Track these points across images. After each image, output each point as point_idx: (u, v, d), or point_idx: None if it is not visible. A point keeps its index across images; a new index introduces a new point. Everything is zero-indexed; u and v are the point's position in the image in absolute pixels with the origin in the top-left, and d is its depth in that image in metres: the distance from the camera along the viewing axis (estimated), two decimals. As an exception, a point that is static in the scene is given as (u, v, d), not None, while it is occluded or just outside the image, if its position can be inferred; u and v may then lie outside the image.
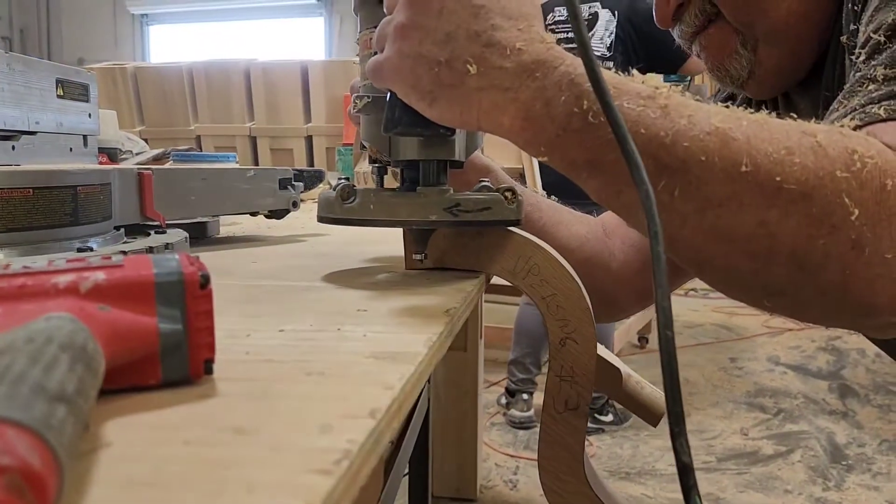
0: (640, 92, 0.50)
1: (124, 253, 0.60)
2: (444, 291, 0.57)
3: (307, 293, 0.58)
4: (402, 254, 0.67)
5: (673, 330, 0.41)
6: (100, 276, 0.32)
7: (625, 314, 0.94)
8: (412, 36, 0.52)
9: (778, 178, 0.47)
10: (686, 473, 0.39)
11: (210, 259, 0.77)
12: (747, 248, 0.49)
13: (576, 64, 0.50)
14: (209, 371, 0.34)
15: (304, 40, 8.04)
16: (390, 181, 0.71)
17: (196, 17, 8.37)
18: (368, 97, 0.64)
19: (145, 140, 1.93)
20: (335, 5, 8.00)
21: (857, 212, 0.47)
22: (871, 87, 0.56)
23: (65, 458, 0.20)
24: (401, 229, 0.67)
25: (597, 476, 0.69)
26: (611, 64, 2.66)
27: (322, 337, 0.43)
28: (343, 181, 0.63)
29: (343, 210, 0.61)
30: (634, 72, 0.53)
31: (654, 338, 3.85)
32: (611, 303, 0.87)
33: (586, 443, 0.66)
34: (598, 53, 2.70)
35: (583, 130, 0.49)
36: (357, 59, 0.68)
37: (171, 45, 8.47)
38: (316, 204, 0.66)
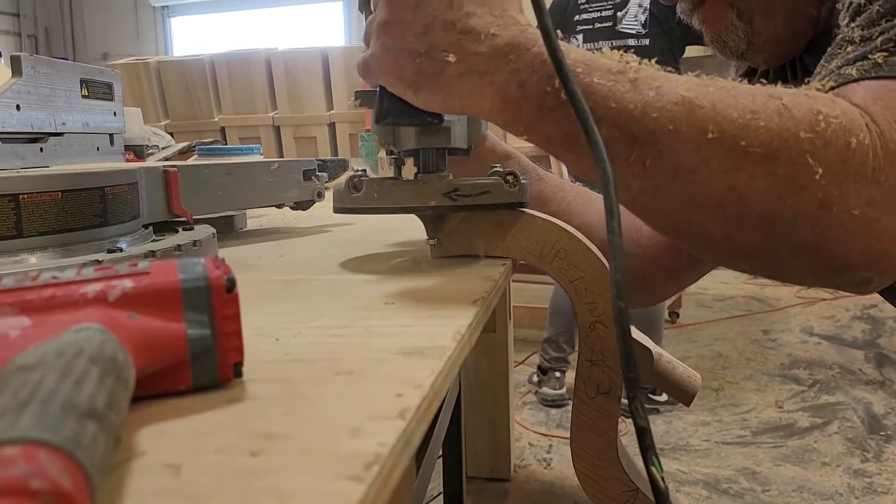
0: (610, 68, 0.51)
1: (153, 252, 0.61)
2: (471, 279, 0.57)
3: (334, 286, 0.58)
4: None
5: (626, 301, 0.43)
6: (127, 283, 0.32)
7: (659, 296, 0.93)
8: (393, 31, 0.53)
9: (743, 143, 0.48)
10: (643, 435, 0.41)
11: (237, 253, 0.77)
12: (719, 213, 0.50)
13: None
14: (238, 374, 0.34)
15: (324, 26, 8.04)
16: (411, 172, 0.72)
17: (216, 7, 8.39)
18: (366, 92, 0.66)
19: (171, 134, 1.94)
20: (353, -10, 7.99)
21: (820, 171, 0.47)
22: (849, 48, 0.57)
23: (96, 476, 0.20)
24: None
25: (630, 459, 0.69)
26: (647, 41, 2.63)
27: (350, 333, 0.43)
28: (360, 172, 0.66)
29: (351, 200, 0.65)
30: (605, 49, 0.54)
31: (684, 313, 3.82)
32: (641, 282, 0.86)
33: (619, 422, 0.65)
34: (633, 31, 2.68)
35: (556, 108, 0.50)
36: None
37: (192, 37, 8.51)
38: None
